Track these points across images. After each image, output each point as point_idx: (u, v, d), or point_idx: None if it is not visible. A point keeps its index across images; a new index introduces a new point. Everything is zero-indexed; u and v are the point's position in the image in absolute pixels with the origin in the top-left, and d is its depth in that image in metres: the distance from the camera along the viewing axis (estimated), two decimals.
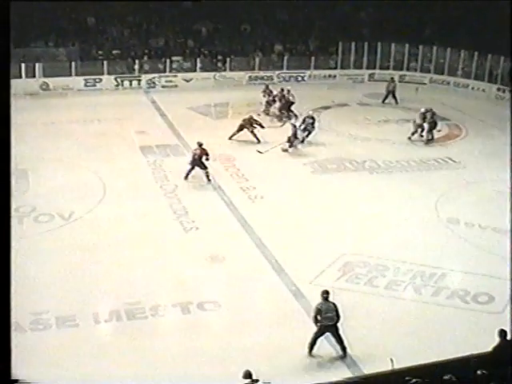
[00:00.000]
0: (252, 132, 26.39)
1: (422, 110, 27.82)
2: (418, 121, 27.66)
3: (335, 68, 37.74)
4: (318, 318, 13.27)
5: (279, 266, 17.04)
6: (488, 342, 11.14)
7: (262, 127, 26.35)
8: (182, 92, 34.20)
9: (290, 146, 25.52)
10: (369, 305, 15.70)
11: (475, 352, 10.78)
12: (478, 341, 12.06)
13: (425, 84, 37.37)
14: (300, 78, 36.43)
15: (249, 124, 26.46)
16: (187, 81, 35.46)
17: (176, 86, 35.14)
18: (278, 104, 30.12)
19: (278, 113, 29.90)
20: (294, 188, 22.36)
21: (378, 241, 18.67)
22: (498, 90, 35.64)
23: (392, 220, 20.14)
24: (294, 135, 25.61)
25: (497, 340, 11.19)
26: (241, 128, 26.43)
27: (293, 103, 29.68)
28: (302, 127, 26.39)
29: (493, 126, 29.85)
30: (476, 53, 36.44)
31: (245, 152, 25.40)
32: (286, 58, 37.01)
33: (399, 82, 36.68)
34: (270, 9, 39.23)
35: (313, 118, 27.04)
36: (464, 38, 37.22)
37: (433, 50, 37.71)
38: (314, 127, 26.73)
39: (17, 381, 3.74)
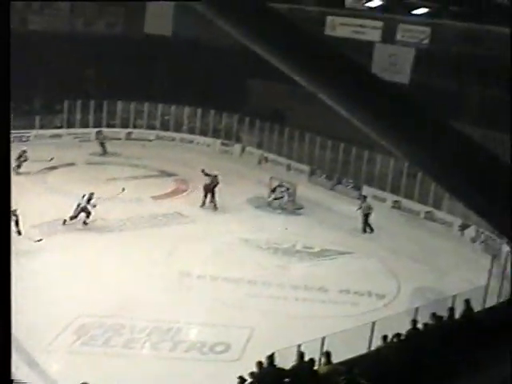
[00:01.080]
0: None
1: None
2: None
3: (61, 127, 37.11)
4: None
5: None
6: None
7: None
8: None
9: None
10: (108, 366, 15.39)
11: None
12: None
13: (151, 140, 37.85)
14: (25, 138, 35.27)
15: None
16: None
17: None
18: None
19: None
20: (23, 252, 21.35)
21: (112, 300, 18.41)
22: (222, 144, 37.14)
23: (124, 278, 19.94)
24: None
25: None
26: None
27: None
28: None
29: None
30: (199, 109, 37.73)
31: None
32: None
33: (126, 139, 36.98)
34: None
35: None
36: (188, 94, 38.41)
37: (158, 107, 38.45)
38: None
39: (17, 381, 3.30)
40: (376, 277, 22.11)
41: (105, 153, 34.38)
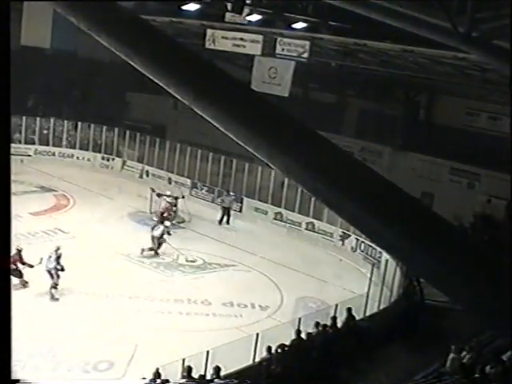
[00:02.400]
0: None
1: None
2: None
3: None
4: None
5: None
6: None
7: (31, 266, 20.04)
8: None
9: None
10: None
11: None
12: None
13: (30, 156, 36.91)
14: None
15: None
16: None
17: None
18: None
19: None
20: None
21: None
22: (103, 158, 36.62)
23: None
24: None
25: None
26: None
27: None
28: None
29: (98, 194, 30.48)
30: (79, 123, 37.10)
31: None
32: None
33: None
34: None
35: None
36: (67, 108, 37.78)
37: (36, 120, 37.53)
38: None
39: (17, 381, 3.00)
40: (259, 288, 22.25)
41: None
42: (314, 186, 5.02)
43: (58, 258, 19.97)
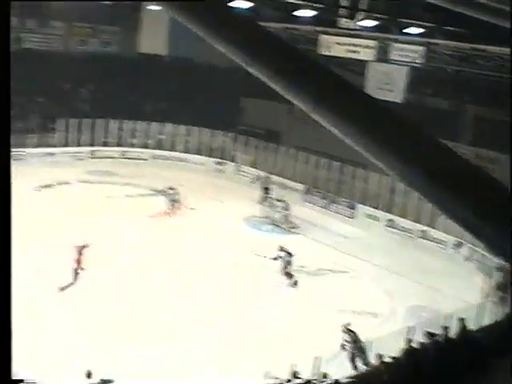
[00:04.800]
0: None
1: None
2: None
3: (55, 145, 37.08)
4: None
5: None
6: None
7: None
8: None
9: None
10: None
11: None
12: None
13: (146, 160, 37.86)
14: (19, 157, 35.26)
15: None
16: None
17: None
18: None
19: None
20: None
21: None
22: (217, 163, 37.19)
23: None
24: None
25: None
26: None
27: None
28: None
29: (212, 198, 30.93)
30: (194, 128, 37.79)
31: None
32: None
33: (121, 158, 37.00)
34: None
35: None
36: (183, 113, 38.53)
37: (153, 125, 38.46)
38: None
39: (17, 381, 3.26)
40: (370, 295, 22.08)
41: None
42: (437, 196, 4.96)
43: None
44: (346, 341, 16.10)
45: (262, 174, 33.77)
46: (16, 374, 4.10)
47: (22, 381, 3.27)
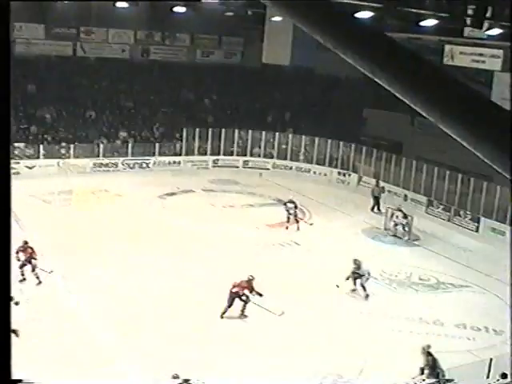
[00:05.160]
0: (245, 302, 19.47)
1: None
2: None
3: (180, 154, 38.02)
4: None
5: None
6: None
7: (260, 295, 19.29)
8: (23, 179, 32.62)
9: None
10: None
11: None
12: None
13: (268, 169, 38.26)
14: (145, 165, 36.36)
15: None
16: (30, 168, 34.34)
17: (18, 172, 32.94)
18: None
19: None
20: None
21: None
22: (339, 173, 37.13)
23: None
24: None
25: None
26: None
27: None
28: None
29: (334, 209, 30.91)
30: (316, 138, 37.89)
31: None
32: (130, 144, 36.82)
33: (243, 167, 37.52)
34: (115, 95, 39.38)
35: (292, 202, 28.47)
36: (305, 123, 38.74)
37: (275, 135, 38.84)
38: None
39: (17, 381, 3.51)
40: (494, 312, 21.44)
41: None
42: None
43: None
44: (426, 364, 15.61)
45: (382, 184, 33.43)
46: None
47: (20, 381, 3.36)
